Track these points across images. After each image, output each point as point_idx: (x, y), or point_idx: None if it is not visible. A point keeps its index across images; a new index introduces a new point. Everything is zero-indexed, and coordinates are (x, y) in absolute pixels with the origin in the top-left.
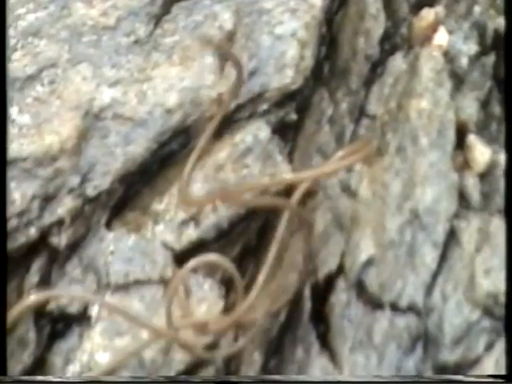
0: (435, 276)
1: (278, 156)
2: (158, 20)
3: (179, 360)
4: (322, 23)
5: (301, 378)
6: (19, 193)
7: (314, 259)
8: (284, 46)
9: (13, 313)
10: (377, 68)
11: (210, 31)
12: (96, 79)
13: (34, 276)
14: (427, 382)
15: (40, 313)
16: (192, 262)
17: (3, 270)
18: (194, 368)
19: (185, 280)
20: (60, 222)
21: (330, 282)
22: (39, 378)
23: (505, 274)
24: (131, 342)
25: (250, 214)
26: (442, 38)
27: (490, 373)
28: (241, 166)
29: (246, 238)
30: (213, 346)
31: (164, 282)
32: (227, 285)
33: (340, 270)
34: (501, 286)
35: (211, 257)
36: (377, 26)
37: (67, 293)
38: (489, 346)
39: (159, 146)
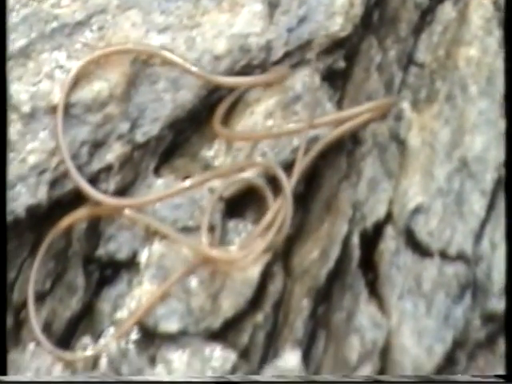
0: (484, 224)
1: (327, 103)
2: None
3: (227, 307)
4: None
5: (302, 378)
6: (68, 139)
7: (362, 207)
8: None
9: (64, 222)
10: (426, 16)
11: None
12: (145, 25)
13: (82, 222)
14: (427, 381)
15: (89, 259)
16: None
17: (3, 269)
18: (242, 315)
19: None
20: (108, 168)
21: (378, 230)
22: (40, 378)
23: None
24: (180, 288)
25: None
26: None
27: None
28: (290, 113)
29: (294, 185)
30: None
31: (212, 229)
32: None
33: (388, 217)
34: None
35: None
36: None
37: None
38: None
39: (208, 93)
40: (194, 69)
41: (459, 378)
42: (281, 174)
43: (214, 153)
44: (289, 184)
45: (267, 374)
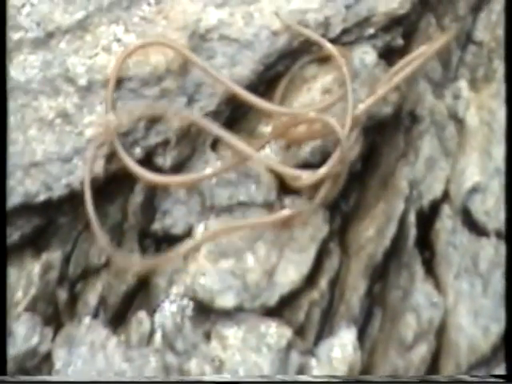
0: None
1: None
2: None
3: (283, 283)
4: None
5: (302, 378)
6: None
7: (419, 185)
8: None
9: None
10: None
11: None
12: (203, 0)
13: (138, 196)
14: (427, 381)
15: (144, 233)
16: None
17: (3, 269)
18: (298, 292)
19: None
20: (165, 143)
21: (435, 209)
22: (39, 378)
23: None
24: (236, 264)
25: (357, 139)
26: None
27: None
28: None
29: (351, 162)
30: None
31: (268, 205)
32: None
33: (445, 196)
34: None
35: None
36: None
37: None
38: None
39: (265, 69)
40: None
41: (459, 378)
42: (335, 125)
43: (270, 129)
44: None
45: (323, 351)
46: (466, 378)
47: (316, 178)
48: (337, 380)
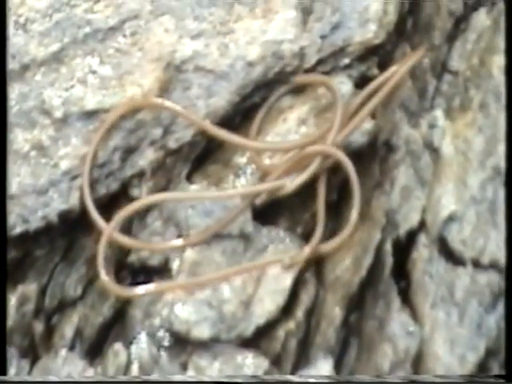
0: None
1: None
2: None
3: (259, 314)
4: None
5: (302, 378)
6: (101, 144)
7: (395, 214)
8: (367, 0)
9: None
10: (460, 23)
11: None
12: (178, 31)
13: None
14: (428, 381)
15: (121, 265)
16: None
17: (3, 268)
18: (274, 322)
19: None
20: (141, 174)
21: (411, 238)
22: (39, 378)
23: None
24: (212, 294)
25: (331, 169)
26: None
27: None
28: (323, 120)
29: (326, 192)
30: None
31: (244, 236)
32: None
33: (421, 225)
34: None
35: None
36: None
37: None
38: None
39: (241, 99)
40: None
41: (459, 378)
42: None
43: (246, 159)
44: None
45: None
46: (466, 378)
47: (299, 182)
48: (335, 380)
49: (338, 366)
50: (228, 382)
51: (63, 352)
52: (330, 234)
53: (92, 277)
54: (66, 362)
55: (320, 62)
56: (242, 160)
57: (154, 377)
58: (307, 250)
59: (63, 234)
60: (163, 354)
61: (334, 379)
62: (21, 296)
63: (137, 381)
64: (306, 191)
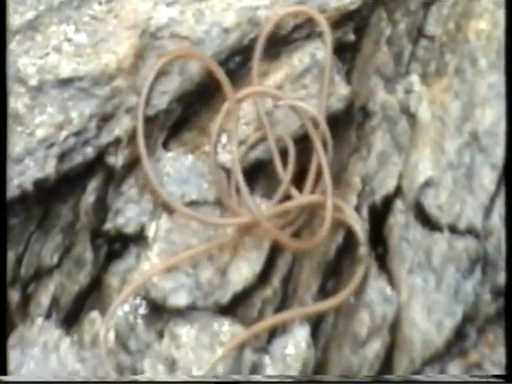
0: (494, 198)
1: (336, 76)
2: None
3: (236, 281)
4: None
5: (302, 378)
6: (76, 112)
7: (372, 180)
8: None
9: None
10: None
11: None
12: None
13: (90, 196)
14: (427, 381)
15: (96, 233)
16: None
17: (3, 268)
18: (251, 289)
19: None
20: (117, 142)
21: (388, 204)
22: (39, 378)
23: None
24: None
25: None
26: None
27: None
28: (299, 87)
29: (303, 158)
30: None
31: (220, 203)
32: None
33: (398, 191)
34: None
35: None
36: None
37: None
38: None
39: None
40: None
41: (459, 378)
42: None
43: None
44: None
45: (276, 348)
46: (466, 378)
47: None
48: (340, 380)
49: (315, 332)
50: (228, 382)
51: (39, 321)
52: None
53: (68, 245)
54: (42, 331)
55: (296, 28)
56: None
57: (154, 377)
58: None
59: (39, 203)
60: (139, 322)
61: (343, 379)
62: None
63: (137, 381)
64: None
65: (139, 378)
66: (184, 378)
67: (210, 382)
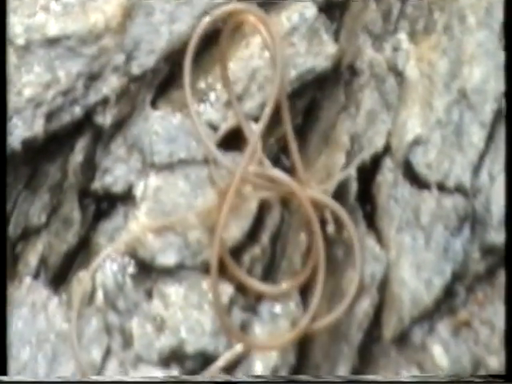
0: (482, 156)
1: (324, 34)
2: None
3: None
4: None
5: (303, 378)
6: (64, 71)
7: (360, 139)
8: None
9: None
10: None
11: None
12: None
13: (78, 155)
14: (428, 381)
15: (84, 192)
16: None
17: (3, 268)
18: (239, 248)
19: None
20: (105, 101)
21: (376, 162)
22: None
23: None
24: (176, 221)
25: (297, 93)
26: None
27: None
28: (287, 45)
29: (292, 116)
30: None
31: (208, 161)
32: None
33: (386, 149)
34: None
35: None
36: None
37: None
38: None
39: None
40: None
41: (459, 378)
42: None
43: (209, 85)
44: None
45: (265, 307)
46: (466, 378)
47: None
48: (340, 380)
49: (303, 291)
50: (228, 382)
51: (27, 280)
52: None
53: (56, 205)
54: (30, 291)
55: None
56: (205, 85)
57: (154, 377)
58: None
59: (27, 162)
60: (128, 281)
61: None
62: None
63: (138, 381)
64: (271, 118)
65: (139, 378)
66: (184, 378)
67: (210, 382)
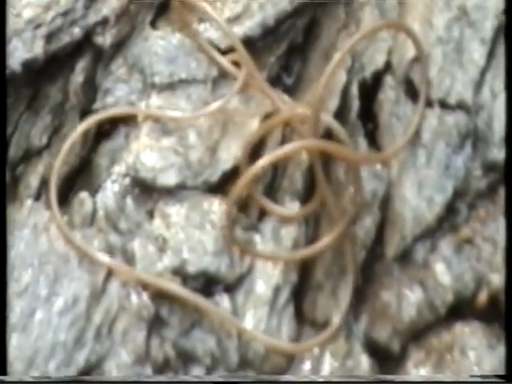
0: (483, 73)
1: None
2: None
3: (225, 159)
4: None
5: (303, 378)
6: None
7: (361, 57)
8: None
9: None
10: None
11: None
12: None
13: (78, 76)
14: (428, 382)
15: (86, 113)
16: None
17: (3, 267)
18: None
19: None
20: (105, 21)
21: (377, 80)
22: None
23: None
24: (178, 141)
25: (297, 12)
26: None
27: None
28: None
29: (292, 35)
30: None
31: (209, 80)
32: None
33: (388, 67)
34: None
35: None
36: None
37: None
38: None
39: None
40: None
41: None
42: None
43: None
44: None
45: (267, 227)
46: (466, 378)
47: None
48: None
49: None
50: (228, 382)
51: (29, 202)
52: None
53: (57, 126)
54: (31, 213)
55: None
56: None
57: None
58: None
59: (27, 84)
60: (129, 202)
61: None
62: None
63: (138, 381)
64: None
65: (140, 378)
66: (184, 377)
67: (210, 382)
